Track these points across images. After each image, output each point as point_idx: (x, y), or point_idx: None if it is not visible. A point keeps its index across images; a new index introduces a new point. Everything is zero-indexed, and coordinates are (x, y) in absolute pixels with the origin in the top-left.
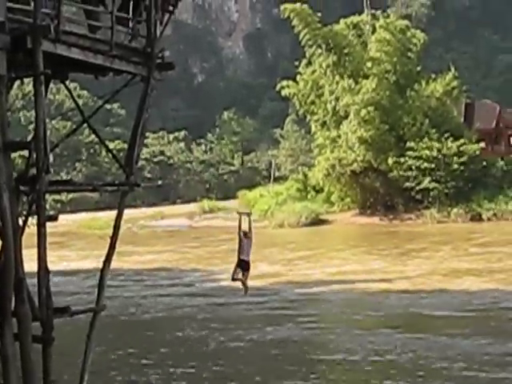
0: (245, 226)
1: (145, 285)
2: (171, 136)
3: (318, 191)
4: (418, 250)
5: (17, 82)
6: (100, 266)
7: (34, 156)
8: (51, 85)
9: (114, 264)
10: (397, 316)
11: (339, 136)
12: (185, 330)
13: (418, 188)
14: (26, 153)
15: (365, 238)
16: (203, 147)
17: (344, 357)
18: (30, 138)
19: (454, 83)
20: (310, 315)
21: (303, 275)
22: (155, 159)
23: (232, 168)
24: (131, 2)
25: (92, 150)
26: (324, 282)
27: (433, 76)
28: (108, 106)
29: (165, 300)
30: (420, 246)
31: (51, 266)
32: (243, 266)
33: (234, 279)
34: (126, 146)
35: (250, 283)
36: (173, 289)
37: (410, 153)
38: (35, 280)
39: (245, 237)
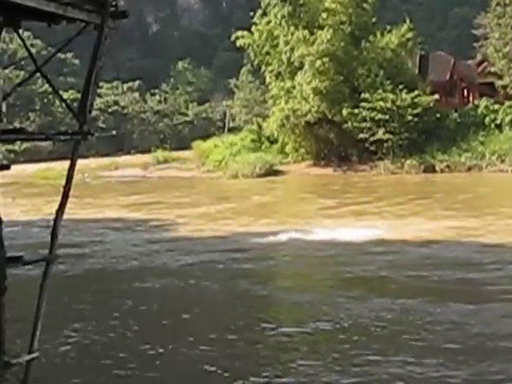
0: None
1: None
2: (125, 86)
3: (273, 142)
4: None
5: None
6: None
7: None
8: (3, 34)
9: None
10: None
11: (294, 87)
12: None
13: (372, 139)
14: None
15: (317, 188)
16: (157, 97)
17: None
18: None
19: (409, 35)
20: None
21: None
22: (109, 109)
23: (186, 118)
24: None
25: (45, 100)
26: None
27: (388, 27)
28: (62, 56)
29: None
30: (373, 196)
31: (5, 217)
32: None
33: None
34: (79, 96)
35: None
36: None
37: (364, 104)
38: None
39: None
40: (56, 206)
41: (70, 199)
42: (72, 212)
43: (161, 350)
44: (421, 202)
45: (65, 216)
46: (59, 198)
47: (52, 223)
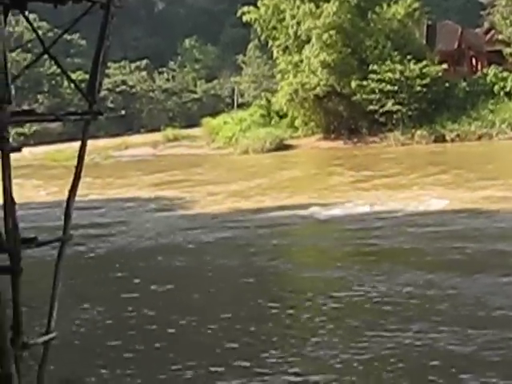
0: None
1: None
2: (133, 65)
3: (282, 117)
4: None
5: None
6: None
7: None
8: (10, 17)
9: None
10: None
11: (301, 61)
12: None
13: (381, 111)
14: None
15: (339, 161)
16: (165, 76)
17: None
18: None
19: (416, 5)
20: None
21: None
22: (117, 89)
23: (195, 96)
24: None
25: (53, 82)
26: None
27: None
28: (68, 37)
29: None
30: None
31: (22, 200)
32: None
33: None
34: (87, 76)
35: None
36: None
37: (372, 76)
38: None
39: None
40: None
41: (92, 179)
42: (99, 192)
43: (171, 330)
44: (455, 171)
45: (95, 196)
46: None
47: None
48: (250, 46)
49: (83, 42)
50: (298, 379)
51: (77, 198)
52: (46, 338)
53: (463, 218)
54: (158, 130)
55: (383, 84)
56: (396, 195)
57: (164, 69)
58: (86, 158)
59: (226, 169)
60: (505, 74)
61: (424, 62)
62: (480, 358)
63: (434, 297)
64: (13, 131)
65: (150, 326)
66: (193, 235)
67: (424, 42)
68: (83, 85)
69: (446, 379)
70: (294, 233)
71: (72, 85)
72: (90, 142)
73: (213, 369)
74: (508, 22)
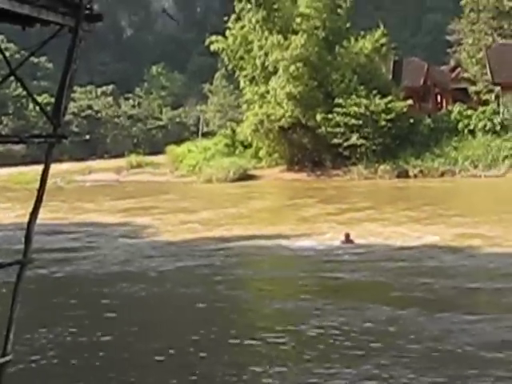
0: None
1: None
2: (99, 90)
3: (246, 147)
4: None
5: None
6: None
7: None
8: None
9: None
10: None
11: (268, 92)
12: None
13: (345, 144)
14: None
15: (290, 192)
16: (131, 102)
17: None
18: None
19: (383, 40)
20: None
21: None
22: (83, 113)
23: (160, 123)
24: None
25: (19, 104)
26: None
27: (362, 33)
28: (35, 60)
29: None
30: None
31: None
32: None
33: None
34: (53, 99)
35: None
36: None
37: (338, 109)
38: None
39: None
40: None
41: (59, 203)
42: (65, 216)
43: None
44: (427, 207)
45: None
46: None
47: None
48: (217, 75)
49: (50, 65)
50: None
51: (43, 222)
52: (2, 360)
53: (438, 254)
54: (121, 155)
55: (348, 118)
56: (370, 229)
57: (130, 95)
58: (49, 182)
59: (193, 197)
60: (469, 111)
61: (389, 98)
62: None
63: (394, 333)
64: None
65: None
66: (159, 262)
67: (390, 77)
68: (49, 108)
69: None
70: (262, 263)
71: (37, 107)
72: (53, 166)
73: None
74: (474, 60)
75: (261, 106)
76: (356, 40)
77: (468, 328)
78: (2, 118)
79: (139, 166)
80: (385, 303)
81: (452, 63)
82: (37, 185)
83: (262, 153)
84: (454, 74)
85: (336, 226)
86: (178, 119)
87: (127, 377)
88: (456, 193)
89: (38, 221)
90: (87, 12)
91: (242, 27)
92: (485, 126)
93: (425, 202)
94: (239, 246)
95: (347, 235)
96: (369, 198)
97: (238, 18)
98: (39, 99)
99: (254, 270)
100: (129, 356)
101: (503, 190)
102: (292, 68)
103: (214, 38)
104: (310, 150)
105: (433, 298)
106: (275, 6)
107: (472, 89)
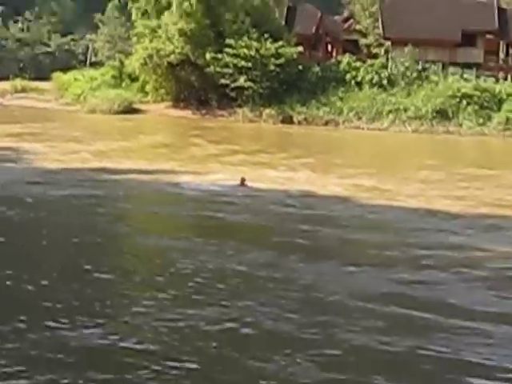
0: None
1: None
2: None
3: (134, 80)
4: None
5: None
6: None
7: None
8: None
9: None
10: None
11: (159, 26)
12: None
13: (232, 86)
14: None
15: (178, 129)
16: (20, 25)
17: None
18: None
19: None
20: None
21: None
22: None
23: (48, 49)
24: None
25: None
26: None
27: None
28: None
29: None
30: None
31: None
32: None
33: None
34: None
35: None
36: None
37: (228, 50)
38: None
39: None
40: None
41: None
42: None
43: None
44: (320, 156)
45: None
46: None
47: None
48: (110, 5)
49: None
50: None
51: None
52: None
53: (329, 203)
54: (7, 79)
55: (238, 59)
56: (264, 173)
57: (19, 18)
58: None
59: (82, 127)
60: (358, 63)
61: (280, 43)
62: (294, 336)
63: (267, 277)
64: None
65: None
66: (42, 189)
67: (283, 22)
68: None
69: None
70: (149, 199)
71: None
72: None
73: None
74: (367, 13)
75: (151, 41)
76: None
77: (344, 278)
78: None
79: (24, 90)
80: (265, 247)
81: (345, 14)
82: None
83: (148, 87)
84: (346, 25)
85: (229, 167)
86: (66, 46)
87: None
88: (344, 143)
89: None
90: None
91: None
92: (372, 79)
93: (317, 150)
94: (127, 179)
95: (243, 179)
96: (258, 141)
97: None
98: None
99: (140, 205)
100: None
101: (389, 144)
102: (185, 4)
103: None
104: (196, 88)
105: (315, 246)
106: None
107: (363, 41)
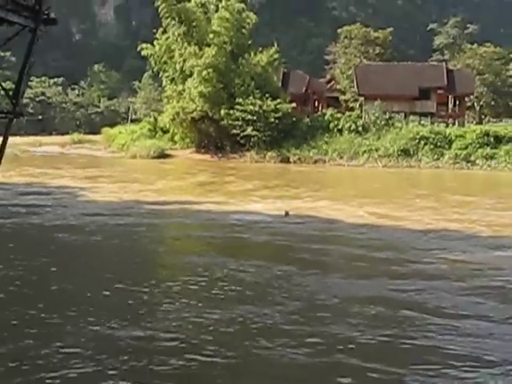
0: None
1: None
2: (51, 81)
3: (165, 132)
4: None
5: None
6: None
7: None
8: None
9: None
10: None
11: (184, 90)
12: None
13: (242, 134)
14: None
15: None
16: (76, 92)
17: None
18: None
19: (276, 56)
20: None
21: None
22: (37, 98)
23: (98, 110)
24: None
25: None
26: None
27: (260, 49)
28: (1, 53)
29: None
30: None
31: None
32: None
33: None
34: (14, 86)
35: None
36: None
37: (238, 107)
38: None
39: None
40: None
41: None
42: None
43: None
44: (330, 189)
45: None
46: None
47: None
48: (145, 75)
49: (13, 59)
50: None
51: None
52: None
53: (358, 227)
54: (67, 133)
55: (245, 114)
56: (297, 205)
57: (76, 86)
58: (7, 151)
59: (133, 170)
60: (339, 115)
61: (278, 100)
62: (294, 331)
63: (278, 287)
64: None
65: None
66: (105, 219)
67: (280, 84)
68: (11, 92)
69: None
70: (204, 225)
71: (2, 91)
72: (10, 138)
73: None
74: (345, 75)
75: (178, 101)
76: (255, 54)
77: (346, 286)
78: None
79: (80, 142)
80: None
81: (328, 77)
82: None
83: (176, 137)
84: (329, 86)
85: (260, 200)
86: (112, 107)
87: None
88: (339, 178)
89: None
90: (45, 17)
91: (167, 38)
92: (350, 126)
93: (324, 184)
94: (182, 209)
95: (286, 212)
96: (275, 178)
97: (164, 31)
98: (3, 85)
99: (201, 231)
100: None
101: (375, 178)
102: (204, 73)
103: (144, 45)
104: (214, 137)
105: (327, 262)
106: (193, 24)
107: (342, 98)
